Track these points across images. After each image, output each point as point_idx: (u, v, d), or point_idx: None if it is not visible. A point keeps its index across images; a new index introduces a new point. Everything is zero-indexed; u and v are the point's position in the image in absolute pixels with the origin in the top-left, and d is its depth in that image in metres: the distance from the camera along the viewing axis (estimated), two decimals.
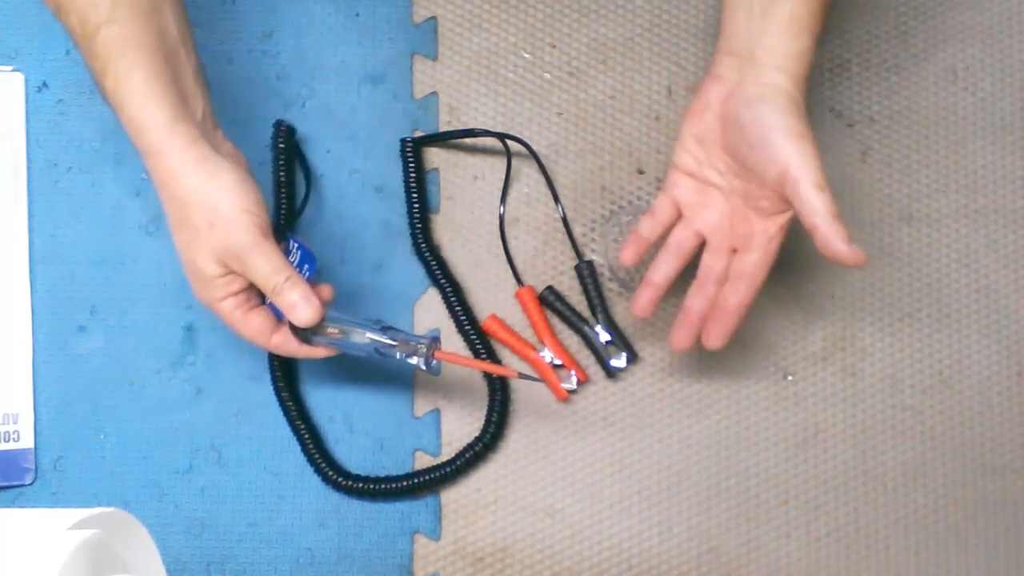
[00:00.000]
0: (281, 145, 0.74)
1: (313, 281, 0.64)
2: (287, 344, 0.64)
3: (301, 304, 0.61)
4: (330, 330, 0.64)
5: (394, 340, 0.64)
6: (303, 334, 0.64)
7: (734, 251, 0.65)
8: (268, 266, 0.60)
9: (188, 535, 0.73)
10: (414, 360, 0.64)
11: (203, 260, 0.59)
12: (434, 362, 0.65)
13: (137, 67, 0.57)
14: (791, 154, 0.59)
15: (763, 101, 0.60)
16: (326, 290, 0.66)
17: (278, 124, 0.74)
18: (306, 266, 0.65)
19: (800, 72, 0.60)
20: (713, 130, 0.64)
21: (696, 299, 0.66)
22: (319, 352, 0.65)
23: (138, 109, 0.57)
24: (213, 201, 0.58)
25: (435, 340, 0.65)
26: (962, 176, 0.77)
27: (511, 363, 0.75)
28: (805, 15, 0.60)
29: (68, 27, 0.59)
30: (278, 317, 0.64)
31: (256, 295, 0.63)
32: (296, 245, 0.66)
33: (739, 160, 0.63)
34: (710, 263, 0.66)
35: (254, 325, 0.63)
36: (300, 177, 0.76)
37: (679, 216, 0.67)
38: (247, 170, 0.62)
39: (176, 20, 0.60)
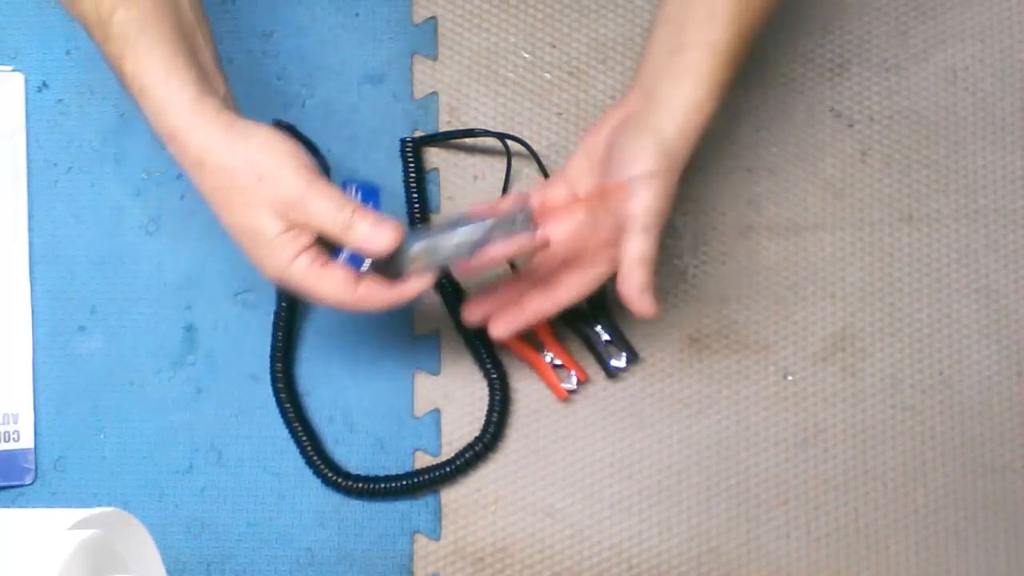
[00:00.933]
0: None
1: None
2: (374, 293, 0.59)
3: (376, 231, 0.57)
4: (417, 254, 0.59)
5: (489, 227, 0.59)
6: (393, 269, 0.59)
7: (564, 264, 0.64)
8: (330, 204, 0.56)
9: (188, 535, 0.73)
10: (522, 236, 0.59)
11: (262, 218, 0.56)
12: (533, 227, 0.60)
13: (157, 45, 0.56)
14: (636, 188, 0.59)
15: (638, 135, 0.59)
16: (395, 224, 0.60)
17: (277, 124, 0.73)
18: (369, 202, 0.61)
19: (690, 122, 0.59)
20: (598, 150, 0.63)
21: (510, 288, 0.66)
22: (416, 286, 0.59)
23: (161, 86, 0.56)
24: (254, 157, 0.56)
25: (526, 200, 0.61)
26: (962, 176, 0.77)
27: (511, 363, 0.75)
28: (708, 66, 0.58)
29: (81, 15, 0.57)
30: (356, 269, 0.59)
31: (326, 252, 0.58)
32: (354, 185, 0.61)
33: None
34: (541, 263, 0.65)
35: (336, 279, 0.57)
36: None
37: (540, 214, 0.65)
38: None
39: (191, 6, 0.59)
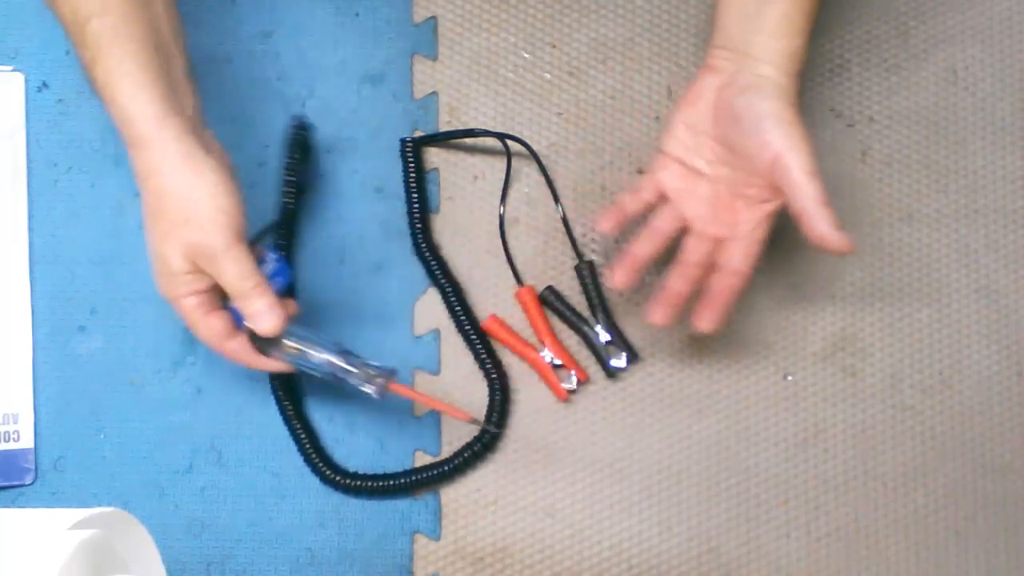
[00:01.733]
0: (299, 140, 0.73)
1: (281, 296, 0.64)
2: (242, 352, 0.64)
3: (265, 312, 0.61)
4: (288, 345, 0.64)
5: (351, 366, 0.65)
6: (261, 345, 0.63)
7: (717, 239, 0.66)
8: (237, 270, 0.60)
9: (188, 535, 0.73)
10: (368, 389, 0.65)
11: (172, 254, 0.60)
12: (388, 394, 0.65)
13: (128, 56, 0.57)
14: (782, 140, 0.61)
15: (757, 90, 0.62)
16: (291, 305, 0.66)
17: (296, 122, 0.73)
18: (278, 278, 0.65)
19: (793, 69, 0.62)
20: (705, 118, 0.65)
21: (678, 280, 0.67)
22: (273, 366, 0.65)
23: (128, 99, 0.57)
24: (192, 197, 0.59)
25: (392, 372, 0.66)
26: (962, 176, 0.77)
27: (511, 363, 0.75)
28: (797, 15, 0.62)
29: (60, 16, 0.59)
30: (238, 324, 0.64)
31: (219, 299, 0.63)
32: (274, 256, 0.66)
33: (730, 148, 0.64)
34: (693, 247, 0.67)
35: (213, 327, 0.63)
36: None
37: (662, 199, 0.68)
38: (231, 172, 0.62)
39: (167, 18, 0.60)
